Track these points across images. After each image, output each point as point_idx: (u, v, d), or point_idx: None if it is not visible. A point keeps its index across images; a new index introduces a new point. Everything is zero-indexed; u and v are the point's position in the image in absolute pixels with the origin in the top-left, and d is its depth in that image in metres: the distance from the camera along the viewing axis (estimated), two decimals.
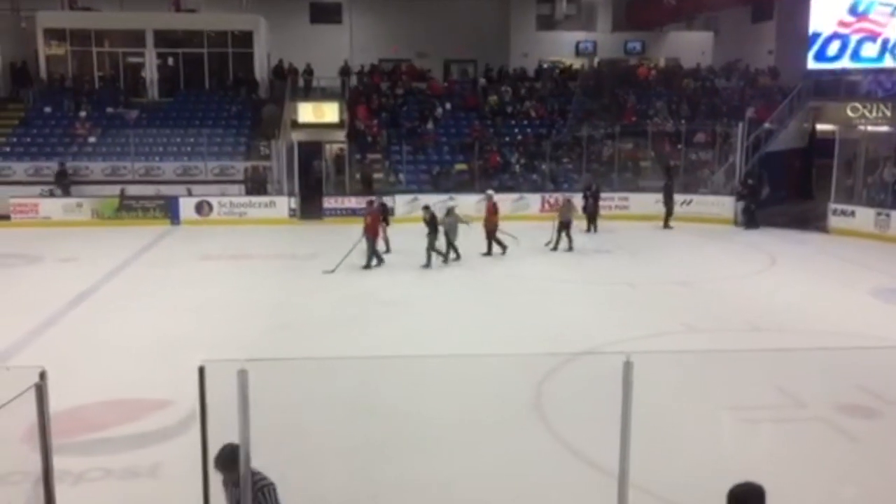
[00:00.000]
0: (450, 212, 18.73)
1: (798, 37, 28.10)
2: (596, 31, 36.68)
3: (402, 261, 18.24)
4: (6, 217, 23.94)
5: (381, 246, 18.08)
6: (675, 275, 17.40)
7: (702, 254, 20.41)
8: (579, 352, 11.50)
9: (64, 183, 24.96)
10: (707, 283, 16.78)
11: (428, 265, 17.62)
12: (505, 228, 19.22)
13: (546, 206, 25.60)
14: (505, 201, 25.33)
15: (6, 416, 4.40)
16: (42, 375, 4.79)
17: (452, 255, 18.28)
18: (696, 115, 29.07)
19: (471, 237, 18.82)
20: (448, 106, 30.02)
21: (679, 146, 27.41)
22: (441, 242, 18.03)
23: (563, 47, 36.10)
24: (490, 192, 20.96)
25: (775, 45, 33.57)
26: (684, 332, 13.01)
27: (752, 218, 23.63)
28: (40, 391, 4.78)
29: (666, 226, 23.64)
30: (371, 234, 17.44)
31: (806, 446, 8.85)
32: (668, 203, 23.80)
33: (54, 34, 30.15)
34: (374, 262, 17.53)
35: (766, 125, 26.42)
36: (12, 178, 25.40)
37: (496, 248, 19.15)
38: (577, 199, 22.11)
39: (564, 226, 19.71)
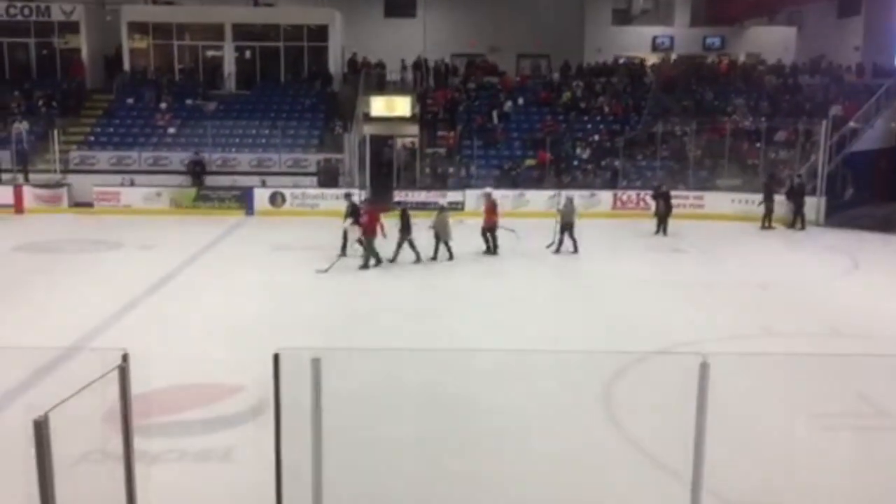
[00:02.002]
0: (441, 212, 18.23)
1: (887, 33, 27.00)
2: (673, 26, 35.95)
3: (470, 255, 18.22)
4: (90, 204, 24.82)
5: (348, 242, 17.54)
6: (753, 276, 16.94)
7: (781, 255, 19.79)
8: (652, 351, 11.28)
9: (196, 171, 25.73)
10: (786, 285, 16.28)
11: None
12: (504, 224, 18.78)
13: (618, 203, 25.27)
14: (577, 198, 25.18)
15: (89, 396, 4.51)
16: (125, 358, 4.92)
17: (445, 255, 17.63)
18: (777, 113, 28.22)
19: (533, 235, 18.52)
20: (521, 101, 29.84)
21: (758, 144, 26.65)
22: (419, 245, 17.51)
23: (638, 42, 35.53)
24: (489, 189, 20.65)
25: (862, 41, 32.35)
26: (761, 334, 12.64)
27: (798, 218, 22.92)
28: (123, 373, 4.90)
29: (766, 226, 22.91)
30: (369, 233, 16.83)
31: (888, 456, 8.48)
32: (768, 203, 23.05)
33: (138, 28, 31.06)
34: (373, 262, 16.87)
35: (851, 124, 25.50)
36: (96, 167, 26.29)
37: (486, 248, 18.52)
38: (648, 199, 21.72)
39: (567, 227, 18.60)
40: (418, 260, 17.43)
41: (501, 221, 18.86)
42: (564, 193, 20.37)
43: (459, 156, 27.23)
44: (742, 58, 35.21)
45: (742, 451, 8.10)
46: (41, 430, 3.97)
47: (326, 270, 16.35)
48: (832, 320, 13.38)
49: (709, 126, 27.37)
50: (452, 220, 18.50)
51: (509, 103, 29.24)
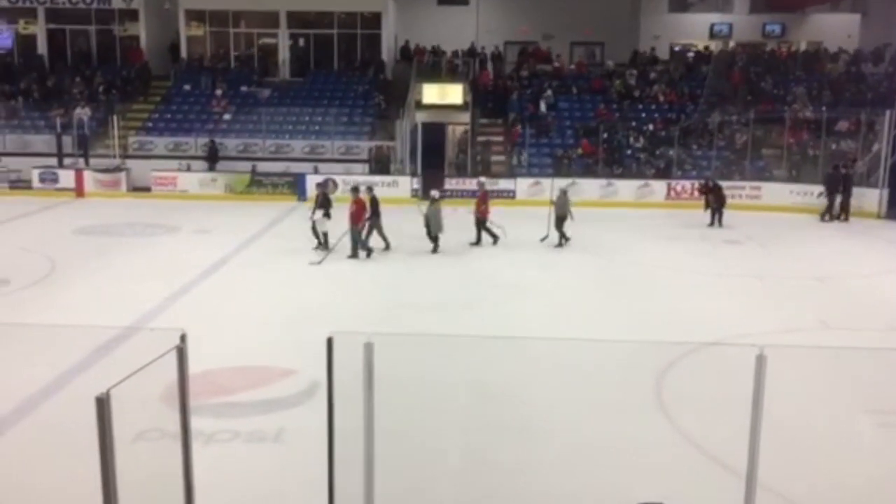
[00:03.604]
0: (433, 202, 17.51)
1: None
2: (732, 13, 35.10)
3: (520, 244, 18.14)
4: (147, 189, 25.36)
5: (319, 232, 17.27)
6: (810, 268, 16.55)
7: (840, 248, 19.29)
8: (705, 342, 11.10)
9: (212, 157, 26.21)
10: (844, 278, 15.88)
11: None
12: (495, 220, 18.29)
13: (672, 193, 24.90)
14: (629, 187, 24.93)
15: (147, 375, 4.61)
16: (183, 338, 5.01)
17: (430, 246, 17.26)
18: (840, 102, 27.45)
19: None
20: (574, 90, 29.57)
21: (819, 135, 25.96)
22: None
23: (696, 30, 34.79)
24: (482, 179, 20.34)
25: None
26: (818, 328, 12.39)
27: (843, 209, 22.30)
28: (181, 353, 4.99)
29: (827, 219, 22.40)
30: (355, 222, 16.48)
31: None
32: (845, 194, 22.49)
33: (194, 15, 31.54)
34: (363, 253, 16.60)
35: None
36: (154, 152, 26.83)
37: (487, 239, 18.15)
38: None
39: (560, 220, 17.97)
40: (388, 247, 17.20)
41: (492, 216, 18.30)
42: (558, 185, 19.55)
43: (511, 144, 27.11)
44: (803, 45, 34.30)
45: (796, 447, 7.95)
46: (103, 406, 4.07)
47: (320, 262, 16.17)
48: (890, 315, 13.05)
49: (767, 115, 26.75)
50: (451, 208, 18.08)
51: (549, 92, 28.93)
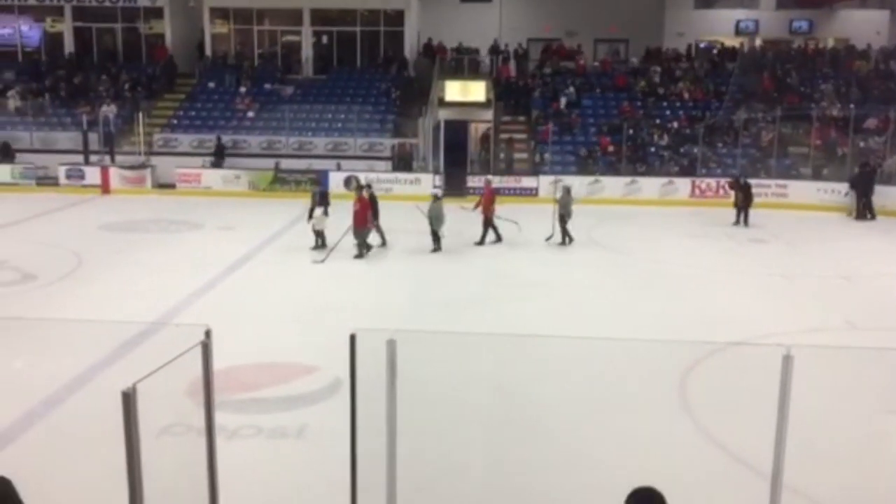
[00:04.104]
0: (436, 199, 17.32)
1: None
2: (759, 9, 34.75)
3: (540, 242, 18.09)
4: (172, 186, 25.55)
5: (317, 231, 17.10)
6: (837, 268, 16.35)
7: (867, 247, 19.03)
8: (730, 342, 11.00)
9: (220, 155, 26.35)
10: (872, 278, 15.67)
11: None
12: (503, 215, 18.16)
13: (697, 191, 24.71)
14: (653, 185, 24.77)
15: (172, 370, 4.63)
16: (207, 334, 5.03)
17: (434, 245, 17.08)
18: (868, 100, 27.09)
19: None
20: (597, 88, 29.41)
21: (847, 132, 25.65)
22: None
23: (721, 26, 34.47)
24: (489, 177, 20.13)
25: None
26: (845, 328, 12.24)
27: (867, 207, 21.98)
28: (206, 348, 5.01)
29: (870, 217, 22.16)
30: (360, 222, 16.39)
31: None
32: (870, 192, 22.26)
33: (219, 13, 31.71)
34: (365, 251, 16.50)
35: None
36: (178, 149, 27.03)
37: (490, 237, 17.97)
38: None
39: (563, 218, 17.82)
40: (384, 244, 17.21)
41: (499, 212, 18.14)
42: (561, 183, 19.32)
43: (534, 141, 27.03)
44: (830, 42, 33.89)
45: (823, 448, 7.86)
46: (129, 401, 4.09)
47: (323, 261, 16.03)
48: None
49: (794, 113, 26.46)
50: (460, 206, 17.95)
51: (571, 89, 28.80)
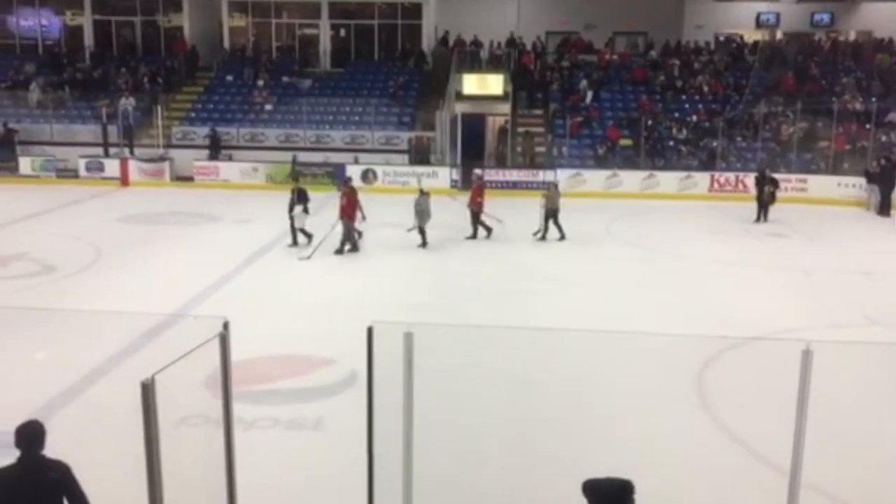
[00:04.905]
0: (423, 193, 17.10)
1: None
2: (780, 2, 34.38)
3: (556, 236, 18.01)
4: (190, 178, 25.68)
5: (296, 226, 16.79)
6: (857, 263, 16.20)
7: (889, 242, 18.85)
8: (749, 337, 10.93)
9: (215, 147, 26.35)
10: (892, 273, 15.51)
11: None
12: (490, 211, 17.98)
13: (715, 185, 24.54)
14: (672, 179, 24.62)
15: (190, 361, 4.65)
16: (225, 325, 5.05)
17: (419, 241, 16.84)
18: (890, 93, 26.78)
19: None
20: (616, 81, 29.27)
21: (868, 126, 25.37)
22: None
23: (741, 19, 34.15)
24: (478, 171, 20.01)
25: None
26: (865, 324, 12.12)
27: (885, 203, 21.74)
28: (224, 340, 5.03)
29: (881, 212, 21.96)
30: (346, 217, 16.10)
31: None
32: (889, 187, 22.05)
33: (237, 6, 31.82)
34: (348, 246, 16.24)
35: None
36: (196, 142, 27.14)
37: (481, 232, 17.84)
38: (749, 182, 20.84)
39: (552, 213, 17.64)
40: (359, 236, 16.81)
41: (488, 208, 18.00)
42: (550, 180, 19.17)
43: (552, 135, 26.93)
44: (852, 35, 33.51)
45: (842, 445, 7.80)
46: (148, 391, 4.12)
47: (309, 257, 15.82)
48: None
49: (815, 107, 26.19)
50: (450, 197, 17.79)
51: (584, 82, 28.65)
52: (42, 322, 11.06)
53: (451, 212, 18.69)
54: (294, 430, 8.22)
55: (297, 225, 16.80)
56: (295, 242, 16.79)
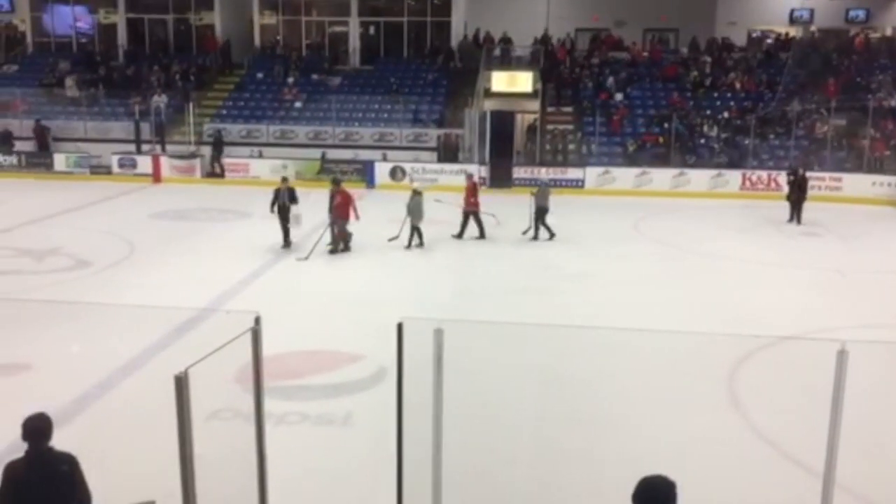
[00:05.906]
0: (416, 193, 16.88)
1: None
2: None
3: (585, 234, 17.94)
4: (221, 175, 25.89)
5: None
6: (892, 262, 15.93)
7: None
8: (782, 336, 10.80)
9: (219, 147, 26.34)
10: None
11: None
12: (484, 209, 17.70)
13: (747, 183, 24.27)
14: (703, 177, 24.38)
15: (221, 356, 4.69)
16: (257, 320, 5.08)
17: (416, 241, 16.61)
18: None
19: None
20: (647, 78, 29.04)
21: None
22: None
23: (775, 15, 33.69)
24: (469, 171, 19.76)
25: None
26: None
27: None
28: (255, 335, 5.07)
29: None
30: (340, 216, 15.96)
31: None
32: None
33: (267, 4, 32.02)
34: (341, 246, 16.10)
35: None
36: (227, 139, 27.35)
37: (474, 231, 17.51)
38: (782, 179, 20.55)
39: (541, 213, 17.41)
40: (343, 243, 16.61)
41: (482, 207, 17.73)
42: (540, 179, 19.02)
43: (581, 132, 26.79)
44: (889, 31, 32.93)
45: (877, 446, 7.68)
46: (181, 385, 4.16)
47: (307, 257, 15.63)
48: None
49: (850, 104, 25.78)
50: (443, 194, 17.67)
51: (611, 80, 28.45)
52: (76, 316, 11.23)
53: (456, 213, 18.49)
54: (323, 425, 8.26)
55: (292, 225, 16.50)
56: (287, 243, 16.52)
